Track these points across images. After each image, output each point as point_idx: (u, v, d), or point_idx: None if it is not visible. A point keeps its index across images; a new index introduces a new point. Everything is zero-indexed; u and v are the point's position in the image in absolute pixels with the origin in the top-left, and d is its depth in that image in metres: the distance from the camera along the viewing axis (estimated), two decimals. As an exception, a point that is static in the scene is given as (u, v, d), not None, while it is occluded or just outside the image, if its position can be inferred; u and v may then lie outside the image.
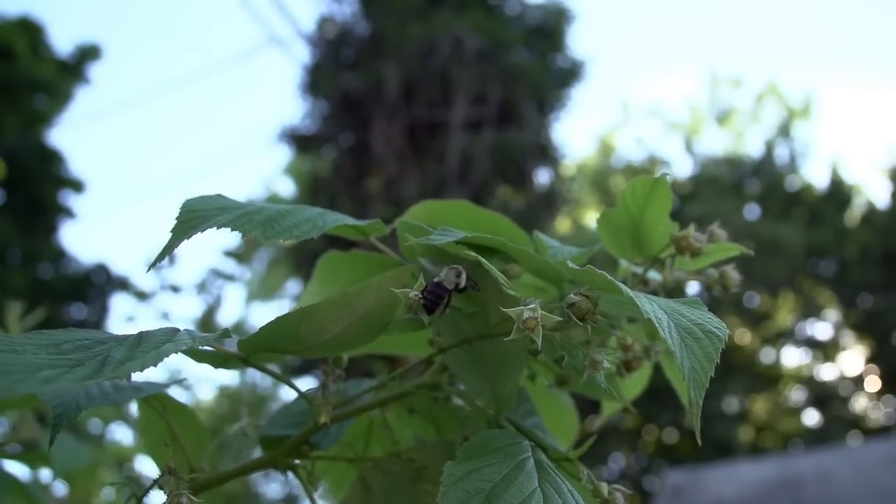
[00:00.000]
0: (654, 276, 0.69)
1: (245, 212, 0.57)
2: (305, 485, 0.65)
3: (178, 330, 0.53)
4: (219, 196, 0.62)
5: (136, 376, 0.48)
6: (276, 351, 0.58)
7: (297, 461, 0.65)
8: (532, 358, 0.58)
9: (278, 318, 0.54)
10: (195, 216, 0.57)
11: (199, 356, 0.64)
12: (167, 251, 0.55)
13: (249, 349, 0.58)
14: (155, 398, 0.72)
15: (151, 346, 0.49)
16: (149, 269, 0.56)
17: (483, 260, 0.50)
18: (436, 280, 0.52)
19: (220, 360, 0.63)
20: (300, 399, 0.66)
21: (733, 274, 0.67)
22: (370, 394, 0.66)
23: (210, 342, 0.54)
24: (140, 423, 0.78)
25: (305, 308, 0.53)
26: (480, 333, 0.55)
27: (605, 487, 0.55)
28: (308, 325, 0.54)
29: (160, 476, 0.53)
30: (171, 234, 0.56)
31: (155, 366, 0.46)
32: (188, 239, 0.55)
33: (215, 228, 0.55)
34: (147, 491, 0.57)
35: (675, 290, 0.70)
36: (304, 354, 0.58)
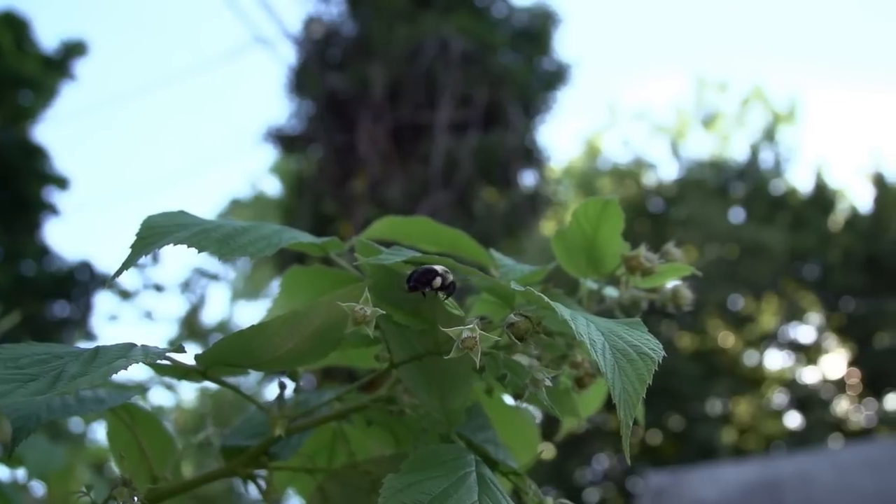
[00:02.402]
0: (611, 293, 0.71)
1: (202, 229, 0.58)
2: (266, 496, 0.67)
3: (134, 345, 0.55)
4: (180, 212, 0.63)
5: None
6: (231, 365, 0.59)
7: (256, 471, 0.67)
8: (478, 375, 0.59)
9: (232, 334, 0.56)
10: (154, 232, 0.58)
11: (160, 369, 0.65)
12: (126, 266, 0.57)
13: (206, 363, 0.60)
14: (122, 408, 0.74)
15: (105, 361, 0.51)
16: (107, 284, 0.57)
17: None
18: (428, 267, 0.55)
19: (180, 373, 0.64)
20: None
21: (685, 293, 0.69)
22: (330, 405, 0.68)
23: (164, 356, 0.55)
24: (107, 433, 0.79)
25: (257, 325, 0.55)
26: (429, 350, 0.56)
27: (550, 501, 0.57)
28: (260, 341, 0.55)
29: (113, 487, 0.55)
30: (129, 250, 0.57)
31: (104, 381, 0.48)
32: (146, 255, 0.57)
33: (173, 245, 0.57)
34: (105, 502, 0.58)
35: (631, 308, 0.72)
36: (258, 369, 0.60)
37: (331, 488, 0.67)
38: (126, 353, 0.52)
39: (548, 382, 0.53)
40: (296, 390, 0.63)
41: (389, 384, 0.65)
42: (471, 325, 0.49)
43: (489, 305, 0.68)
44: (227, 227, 0.59)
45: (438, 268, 0.55)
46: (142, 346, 0.55)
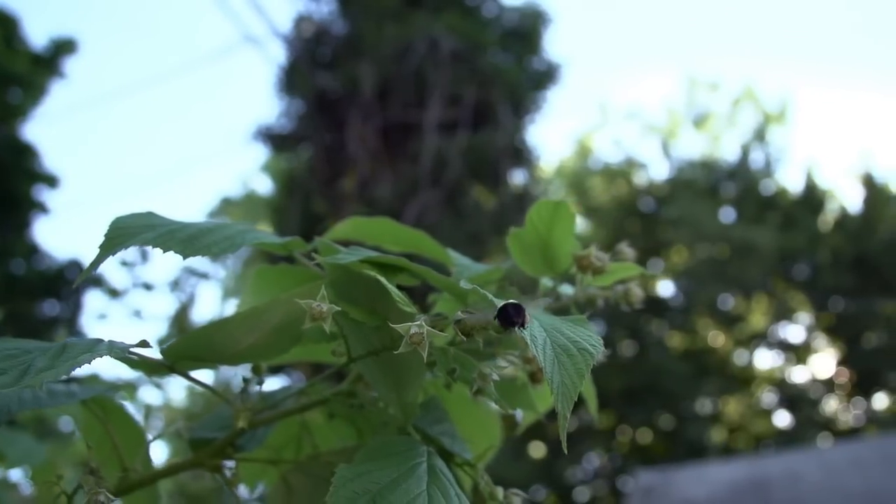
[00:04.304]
0: (567, 291, 0.74)
1: (168, 230, 0.61)
2: (229, 485, 0.69)
3: (101, 341, 0.57)
4: (149, 214, 0.65)
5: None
6: (196, 360, 0.62)
7: (223, 462, 0.69)
8: (436, 370, 0.62)
9: (195, 330, 0.58)
10: (122, 233, 0.61)
11: (132, 364, 0.68)
12: (93, 266, 0.59)
13: (173, 357, 0.62)
14: (94, 402, 0.76)
15: (72, 355, 0.53)
16: (76, 285, 0.59)
17: (381, 278, 0.54)
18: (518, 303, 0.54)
19: (149, 367, 0.66)
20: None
21: (637, 291, 0.72)
22: (294, 399, 0.70)
23: (129, 351, 0.57)
24: (81, 426, 0.82)
25: (219, 321, 0.57)
26: (385, 346, 0.59)
27: (500, 492, 0.60)
28: (222, 337, 0.58)
29: (81, 476, 0.57)
30: (98, 251, 0.60)
31: (68, 374, 0.50)
32: (113, 255, 0.59)
33: (139, 245, 0.59)
34: (76, 490, 0.61)
35: (587, 305, 0.75)
36: (222, 363, 0.62)
37: (294, 479, 0.69)
38: (92, 348, 0.55)
39: (495, 377, 0.55)
40: (259, 384, 0.66)
41: (351, 379, 0.68)
42: (418, 322, 0.51)
43: (450, 303, 0.71)
44: (192, 227, 0.62)
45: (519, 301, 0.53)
46: (108, 341, 0.57)
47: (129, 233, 0.61)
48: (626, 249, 0.73)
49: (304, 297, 0.56)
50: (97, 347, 0.54)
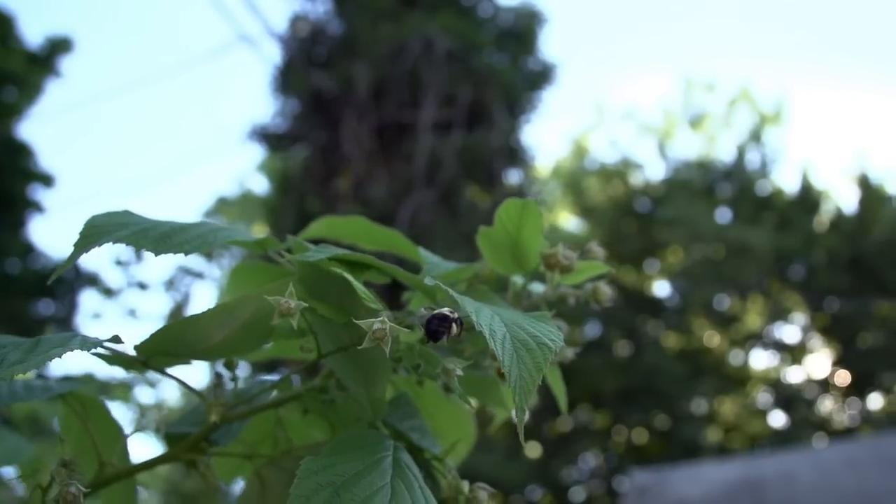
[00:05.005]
0: (537, 289, 0.75)
1: (142, 228, 0.62)
2: (206, 479, 0.70)
3: (75, 336, 0.58)
4: (125, 212, 0.67)
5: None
6: (169, 355, 0.63)
7: (197, 457, 0.70)
8: (405, 367, 0.63)
9: (167, 325, 0.59)
10: (96, 231, 0.62)
11: (109, 360, 0.69)
12: (68, 263, 0.60)
13: (146, 353, 0.64)
14: (73, 397, 0.77)
15: (44, 350, 0.55)
16: (50, 281, 0.61)
17: (347, 275, 0.55)
18: (441, 313, 0.55)
19: (124, 362, 0.68)
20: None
21: (605, 289, 0.73)
22: (268, 394, 0.72)
23: (100, 346, 0.59)
24: (60, 421, 0.83)
25: (190, 317, 0.58)
26: (353, 342, 0.60)
27: (465, 485, 0.61)
28: (194, 332, 0.59)
29: (53, 468, 0.58)
30: (72, 248, 0.61)
31: (39, 368, 0.51)
32: (87, 252, 0.61)
33: (112, 243, 0.61)
34: (50, 483, 0.62)
35: (559, 303, 0.76)
36: (195, 358, 0.64)
37: (268, 474, 0.70)
38: (65, 342, 0.56)
39: (459, 372, 0.56)
40: (233, 379, 0.67)
41: (323, 374, 0.69)
42: (381, 318, 0.53)
43: (422, 301, 0.72)
44: (165, 226, 0.63)
45: (447, 311, 0.55)
46: (81, 336, 0.58)
47: (103, 231, 0.62)
48: (595, 249, 0.75)
49: (273, 294, 0.57)
50: (69, 342, 0.56)
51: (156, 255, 0.60)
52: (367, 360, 0.61)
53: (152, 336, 0.60)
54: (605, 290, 0.72)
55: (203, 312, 0.58)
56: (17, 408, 2.65)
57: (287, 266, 0.72)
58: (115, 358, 0.67)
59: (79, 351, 0.55)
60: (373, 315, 0.55)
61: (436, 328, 0.52)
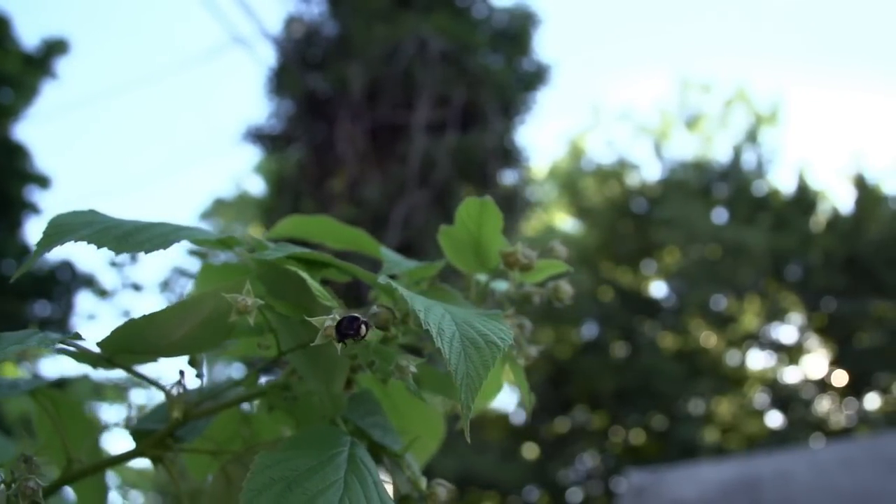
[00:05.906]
0: (500, 287, 0.76)
1: (104, 227, 0.63)
2: (171, 475, 0.71)
3: (35, 332, 0.59)
4: (90, 212, 0.68)
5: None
6: (130, 352, 0.64)
7: (163, 453, 0.71)
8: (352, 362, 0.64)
9: (127, 322, 0.60)
10: (59, 230, 0.63)
11: (77, 357, 0.70)
12: (30, 262, 0.61)
13: (109, 350, 0.65)
14: (42, 395, 0.78)
15: (3, 346, 0.56)
16: (13, 279, 0.62)
17: (302, 273, 0.56)
18: (352, 316, 0.57)
19: (89, 360, 0.69)
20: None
21: (566, 287, 0.74)
22: (234, 390, 0.73)
23: (64, 342, 0.60)
24: (34, 419, 0.84)
25: (150, 314, 0.59)
26: (311, 339, 0.61)
27: (423, 481, 0.62)
28: (154, 329, 0.60)
29: (13, 463, 0.59)
30: (35, 247, 0.62)
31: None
32: (49, 251, 0.62)
33: (74, 242, 0.62)
34: (13, 478, 0.63)
35: (523, 301, 0.77)
36: (157, 355, 0.65)
37: (232, 470, 0.71)
38: (24, 339, 0.57)
39: (413, 369, 0.57)
40: (197, 376, 0.68)
41: (286, 371, 0.70)
42: (332, 316, 0.54)
43: (385, 299, 0.73)
44: (127, 225, 0.64)
45: (358, 314, 0.56)
46: (42, 333, 0.59)
47: (66, 230, 0.63)
48: (557, 247, 0.76)
49: (231, 292, 0.58)
50: (27, 339, 0.57)
51: (116, 253, 0.60)
52: (325, 356, 0.62)
53: (113, 332, 0.61)
54: (566, 289, 0.73)
55: (162, 309, 0.59)
56: (11, 408, 2.67)
57: (249, 264, 0.73)
58: (82, 355, 0.68)
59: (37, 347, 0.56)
60: (328, 312, 0.56)
61: (344, 330, 0.54)
